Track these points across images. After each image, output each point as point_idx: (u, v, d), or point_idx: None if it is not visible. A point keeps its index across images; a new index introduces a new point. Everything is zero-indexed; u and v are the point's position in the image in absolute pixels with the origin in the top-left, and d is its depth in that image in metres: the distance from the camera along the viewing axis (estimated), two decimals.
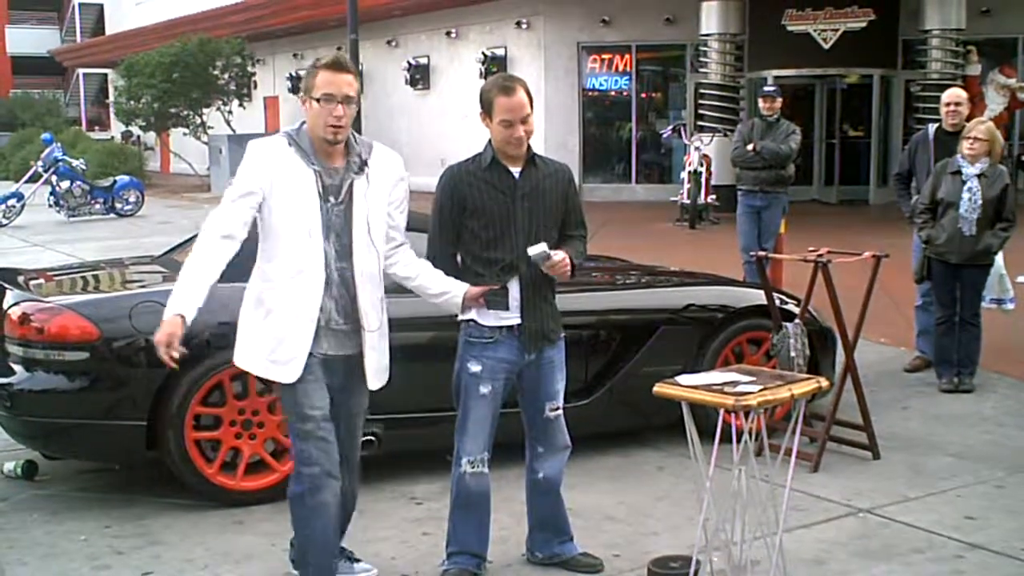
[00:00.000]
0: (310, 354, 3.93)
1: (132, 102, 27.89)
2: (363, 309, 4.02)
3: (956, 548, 4.79)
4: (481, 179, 4.27)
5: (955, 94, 8.02)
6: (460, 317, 4.33)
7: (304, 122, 4.00)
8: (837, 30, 18.34)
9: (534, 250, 4.14)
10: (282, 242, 3.90)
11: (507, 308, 4.27)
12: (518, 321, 4.28)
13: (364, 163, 4.01)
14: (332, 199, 3.94)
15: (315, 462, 3.94)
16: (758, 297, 6.42)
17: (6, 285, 5.71)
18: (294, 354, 3.91)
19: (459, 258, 4.39)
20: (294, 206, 3.88)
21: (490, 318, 4.28)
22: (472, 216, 4.27)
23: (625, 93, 22.70)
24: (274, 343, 3.93)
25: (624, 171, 23.00)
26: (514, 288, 4.27)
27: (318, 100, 3.87)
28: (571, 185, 4.44)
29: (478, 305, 4.26)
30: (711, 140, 17.95)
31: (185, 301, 3.75)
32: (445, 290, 4.25)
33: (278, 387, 4.04)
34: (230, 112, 27.83)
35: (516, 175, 4.28)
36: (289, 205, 3.88)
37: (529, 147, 4.31)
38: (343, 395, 4.11)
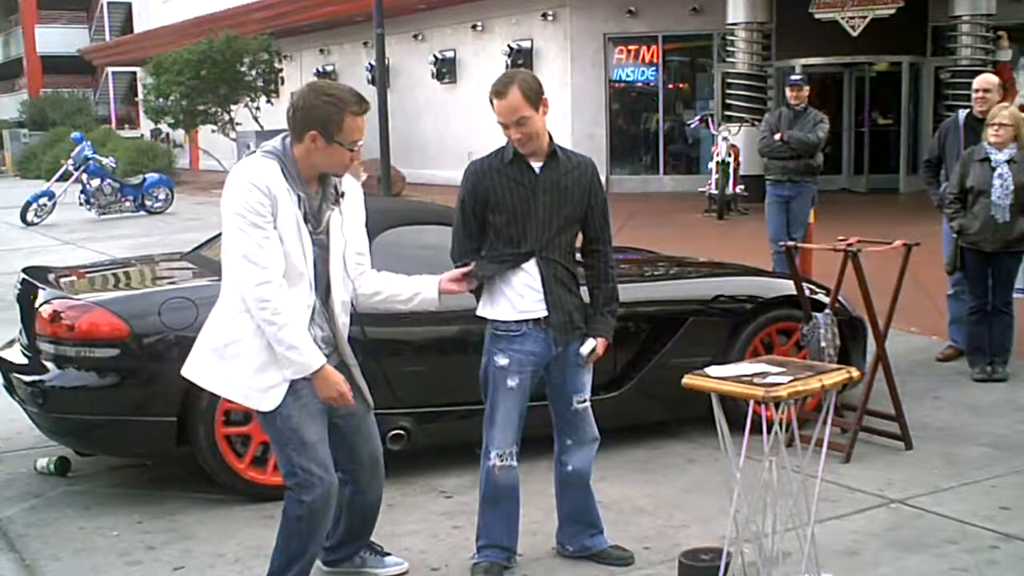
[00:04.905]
0: (304, 378, 3.80)
1: (161, 100, 28.12)
2: (342, 343, 3.98)
3: (990, 539, 4.75)
4: (503, 174, 4.26)
5: (985, 80, 7.95)
6: (479, 313, 4.33)
7: (286, 137, 3.82)
8: (865, 17, 18.18)
9: (586, 349, 4.34)
10: (286, 270, 3.75)
11: (491, 277, 4.25)
12: (544, 314, 4.27)
13: (340, 195, 3.92)
14: (311, 227, 3.82)
15: (316, 486, 3.85)
16: (788, 287, 6.39)
17: (38, 284, 5.75)
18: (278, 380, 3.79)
19: (483, 254, 4.37)
20: (291, 233, 3.74)
21: (513, 312, 4.27)
22: (494, 211, 4.26)
23: (652, 84, 22.64)
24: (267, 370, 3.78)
25: (652, 162, 22.95)
26: (536, 281, 4.26)
27: (350, 149, 3.77)
28: (595, 179, 4.40)
29: (461, 289, 4.22)
30: (739, 130, 17.88)
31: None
32: (416, 291, 4.17)
33: (265, 418, 3.88)
34: (258, 108, 27.99)
35: (537, 169, 4.26)
36: (287, 233, 3.73)
37: (551, 140, 4.29)
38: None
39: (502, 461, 4.32)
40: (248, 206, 3.67)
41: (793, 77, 10.27)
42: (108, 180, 20.15)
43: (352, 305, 4.12)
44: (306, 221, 3.80)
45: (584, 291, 4.44)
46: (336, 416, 4.01)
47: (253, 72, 28.18)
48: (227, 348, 3.80)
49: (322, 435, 3.91)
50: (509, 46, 23.29)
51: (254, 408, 3.87)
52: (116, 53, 42.10)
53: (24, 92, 49.89)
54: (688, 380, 4.12)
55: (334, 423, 4.02)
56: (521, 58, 22.74)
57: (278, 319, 3.68)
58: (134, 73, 41.52)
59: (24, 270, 6.24)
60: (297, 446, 3.84)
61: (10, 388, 5.64)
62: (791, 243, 6.71)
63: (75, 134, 22.63)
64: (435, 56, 25.51)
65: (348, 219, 3.98)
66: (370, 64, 26.19)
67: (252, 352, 3.77)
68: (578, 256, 4.47)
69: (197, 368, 3.90)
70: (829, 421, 4.15)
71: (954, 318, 7.99)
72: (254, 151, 3.91)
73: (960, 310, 7.77)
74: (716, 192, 17.04)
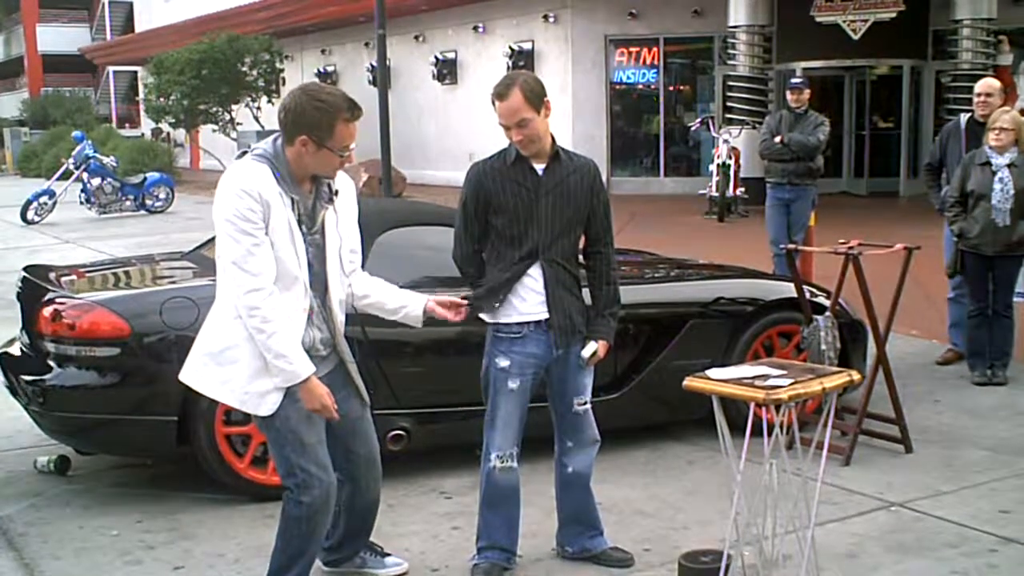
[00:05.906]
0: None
1: (162, 99, 28.15)
2: (340, 341, 3.97)
3: (990, 542, 4.75)
4: (506, 176, 4.25)
5: (987, 84, 7.94)
6: (480, 315, 4.32)
7: (278, 139, 3.79)
8: (866, 21, 18.18)
9: (587, 352, 4.33)
10: (278, 275, 3.73)
11: (494, 308, 4.25)
12: (545, 316, 4.27)
13: (334, 193, 3.89)
14: (305, 228, 3.81)
15: (315, 486, 3.85)
16: (788, 290, 6.39)
17: (39, 282, 5.76)
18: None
19: (484, 256, 4.38)
20: (283, 238, 3.72)
21: (514, 314, 4.27)
22: (496, 213, 4.26)
23: (653, 86, 22.65)
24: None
25: (652, 164, 22.96)
26: (538, 283, 4.26)
27: (341, 154, 3.75)
28: (597, 181, 4.39)
29: (448, 316, 4.16)
30: (739, 133, 17.89)
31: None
32: (402, 304, 4.15)
33: (263, 422, 3.87)
34: (259, 108, 28.01)
35: (540, 171, 4.25)
36: (280, 237, 3.71)
37: (554, 142, 4.28)
38: (341, 405, 3.96)
39: (502, 463, 4.32)
40: (238, 213, 3.64)
41: (794, 80, 10.26)
42: (109, 179, 20.17)
43: (352, 305, 4.12)
44: (300, 223, 3.78)
45: (586, 293, 4.44)
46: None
47: (254, 72, 28.19)
48: (223, 353, 3.80)
49: (320, 436, 3.91)
50: (510, 47, 23.29)
51: (252, 413, 3.87)
52: (117, 52, 42.11)
53: (25, 91, 49.94)
54: (689, 382, 4.13)
55: (331, 423, 4.02)
56: (522, 59, 22.74)
57: (267, 327, 3.67)
58: (135, 72, 41.55)
59: (25, 269, 6.25)
60: (296, 447, 3.84)
61: (11, 387, 5.63)
62: (792, 246, 6.71)
63: (76, 133, 22.65)
64: (436, 57, 25.52)
65: (342, 216, 3.97)
66: (371, 65, 26.20)
67: (248, 357, 3.76)
68: (580, 258, 4.47)
69: (194, 373, 3.90)
70: (829, 424, 4.15)
71: (954, 321, 8.00)
72: (245, 152, 3.88)
73: (960, 313, 7.78)
74: (717, 194, 17.06)
